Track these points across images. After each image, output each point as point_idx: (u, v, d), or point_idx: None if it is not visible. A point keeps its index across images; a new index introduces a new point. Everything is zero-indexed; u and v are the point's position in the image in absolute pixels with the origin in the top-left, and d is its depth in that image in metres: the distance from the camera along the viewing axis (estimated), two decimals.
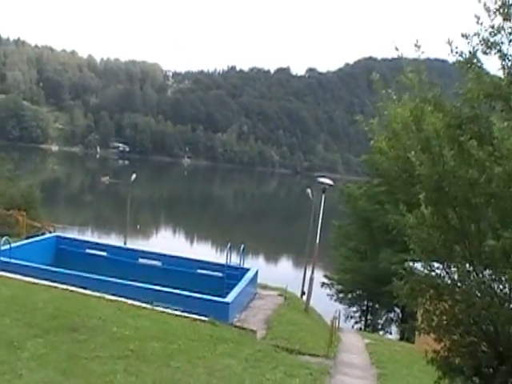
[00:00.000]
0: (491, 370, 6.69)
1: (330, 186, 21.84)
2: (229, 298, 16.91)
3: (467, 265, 6.51)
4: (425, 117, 6.67)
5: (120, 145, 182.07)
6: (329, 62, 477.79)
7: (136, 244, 52.83)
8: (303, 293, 24.74)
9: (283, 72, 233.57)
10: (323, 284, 39.18)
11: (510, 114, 6.45)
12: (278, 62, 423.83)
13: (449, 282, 6.99)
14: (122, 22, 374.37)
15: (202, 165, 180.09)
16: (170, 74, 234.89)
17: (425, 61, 6.96)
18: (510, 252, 6.11)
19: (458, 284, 6.70)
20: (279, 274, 42.39)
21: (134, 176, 40.36)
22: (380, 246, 34.20)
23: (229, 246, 21.68)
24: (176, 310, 15.64)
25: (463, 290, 6.54)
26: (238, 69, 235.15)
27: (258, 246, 68.99)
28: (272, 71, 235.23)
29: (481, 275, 6.27)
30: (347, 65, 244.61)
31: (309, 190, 29.49)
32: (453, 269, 6.70)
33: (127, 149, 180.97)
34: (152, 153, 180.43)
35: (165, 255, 23.58)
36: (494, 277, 6.27)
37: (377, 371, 13.92)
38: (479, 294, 6.37)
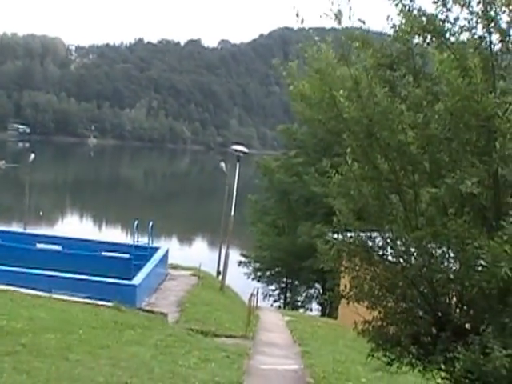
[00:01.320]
0: (430, 337, 5.97)
1: (245, 153, 20.98)
2: (136, 281, 15.62)
3: (402, 222, 5.69)
4: (352, 55, 5.76)
5: (19, 126, 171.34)
6: (243, 33, 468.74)
7: (41, 231, 49.70)
8: (219, 272, 23.69)
9: (194, 44, 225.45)
10: (240, 263, 38.18)
11: (446, 52, 5.64)
12: (189, 34, 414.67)
13: (380, 243, 6.20)
14: None
15: (110, 144, 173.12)
16: (73, 48, 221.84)
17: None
18: (448, 204, 5.35)
19: (392, 244, 5.90)
20: (195, 254, 41.15)
21: (32, 156, 37.75)
22: (299, 219, 33.62)
23: (136, 223, 20.22)
24: (78, 296, 14.19)
25: (398, 250, 5.74)
26: (146, 41, 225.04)
27: (172, 227, 67.41)
28: (182, 43, 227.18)
29: (418, 233, 5.43)
30: (262, 35, 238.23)
31: (222, 164, 28.27)
32: (386, 227, 5.88)
33: (28, 130, 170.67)
34: (55, 133, 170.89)
35: (66, 238, 21.84)
36: (429, 231, 5.45)
37: (300, 349, 13.21)
38: (416, 254, 5.57)
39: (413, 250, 5.64)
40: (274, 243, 35.23)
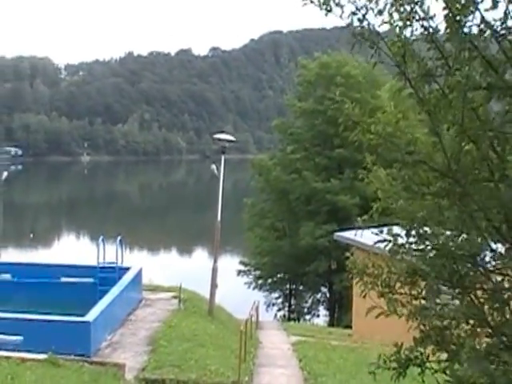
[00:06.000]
0: None
1: (231, 142, 17.23)
2: (90, 316, 11.56)
3: None
4: None
5: (11, 149, 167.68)
6: (233, 40, 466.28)
7: (32, 255, 46.85)
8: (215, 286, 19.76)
9: (185, 53, 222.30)
10: (240, 272, 34.91)
11: None
12: (179, 44, 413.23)
13: None
14: (6, 16, 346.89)
15: (104, 160, 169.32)
16: (63, 67, 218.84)
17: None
18: None
19: None
20: (194, 268, 37.52)
21: (5, 174, 36.19)
22: (300, 220, 30.99)
23: (101, 238, 16.33)
24: (8, 346, 10.36)
25: None
26: (136, 54, 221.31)
27: (170, 241, 64.16)
28: (173, 53, 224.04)
29: None
30: (252, 40, 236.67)
31: (213, 166, 24.69)
32: None
33: (20, 152, 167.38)
34: (48, 153, 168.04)
35: (16, 264, 17.87)
36: None
37: None
38: None
39: None
40: (274, 248, 32.17)
